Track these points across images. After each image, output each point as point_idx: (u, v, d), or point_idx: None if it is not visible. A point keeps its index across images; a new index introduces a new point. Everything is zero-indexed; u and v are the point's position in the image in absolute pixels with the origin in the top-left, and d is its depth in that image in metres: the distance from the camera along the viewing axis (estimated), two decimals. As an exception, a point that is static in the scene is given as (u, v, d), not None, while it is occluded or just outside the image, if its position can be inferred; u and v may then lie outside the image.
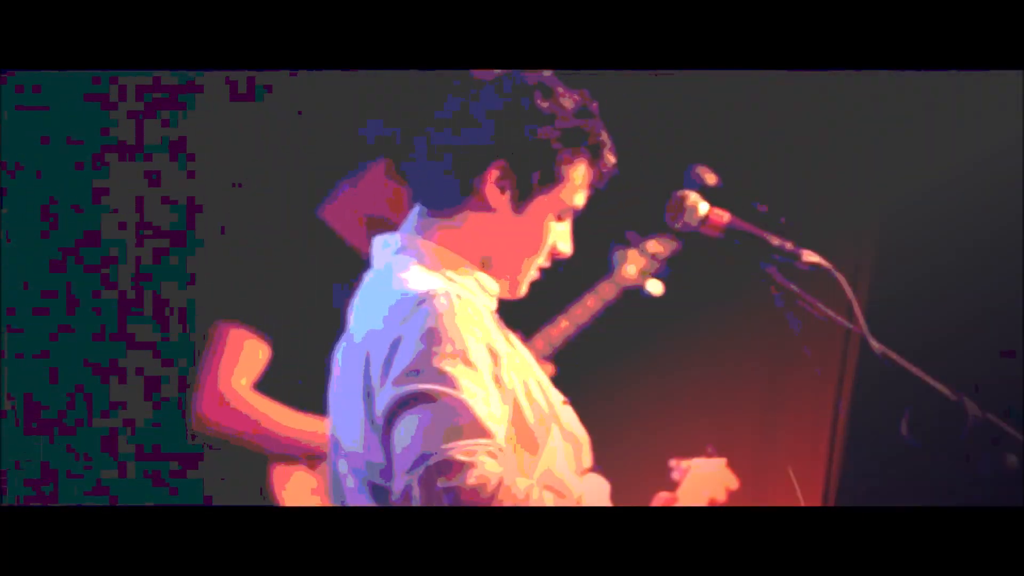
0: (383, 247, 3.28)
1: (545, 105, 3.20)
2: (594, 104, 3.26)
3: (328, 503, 3.30)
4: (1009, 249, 5.53)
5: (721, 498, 3.53)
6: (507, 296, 3.28)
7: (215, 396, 4.51)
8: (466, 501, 2.91)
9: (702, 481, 3.49)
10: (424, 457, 2.93)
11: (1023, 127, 5.48)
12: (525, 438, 3.14)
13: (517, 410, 3.14)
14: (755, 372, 5.71)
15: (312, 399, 4.52)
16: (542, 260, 3.27)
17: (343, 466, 3.19)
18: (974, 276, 5.60)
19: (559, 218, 3.26)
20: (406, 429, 2.98)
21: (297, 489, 4.55)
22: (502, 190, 3.20)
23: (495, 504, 2.91)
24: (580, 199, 3.27)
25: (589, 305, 5.07)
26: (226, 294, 4.59)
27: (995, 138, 5.54)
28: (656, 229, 5.14)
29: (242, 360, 4.54)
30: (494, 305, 3.26)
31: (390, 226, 4.61)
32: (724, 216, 3.22)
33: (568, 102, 3.22)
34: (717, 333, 5.71)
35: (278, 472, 4.56)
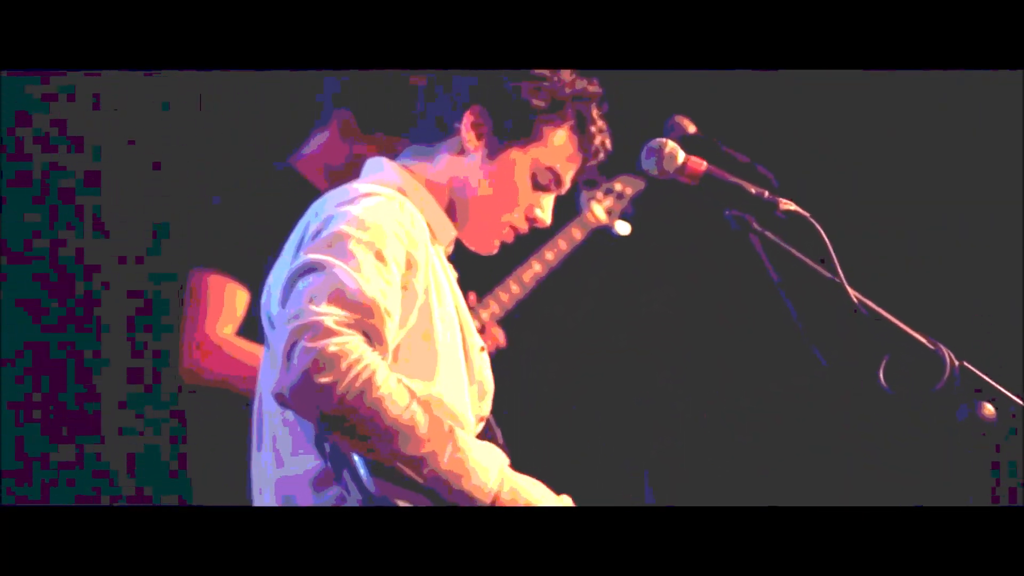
0: (367, 168, 3.35)
1: (545, 73, 3.29)
2: (594, 88, 3.32)
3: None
4: (1009, 249, 5.54)
5: None
6: (477, 250, 3.34)
7: (203, 344, 4.50)
8: (319, 366, 2.90)
9: None
10: (301, 312, 2.95)
11: (1023, 127, 5.49)
12: (425, 357, 3.16)
13: (426, 327, 3.16)
14: (737, 325, 5.72)
15: None
16: (515, 219, 3.31)
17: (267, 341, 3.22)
18: (974, 275, 5.60)
19: (538, 184, 3.30)
20: (299, 291, 3.01)
21: None
22: (478, 135, 3.28)
23: (346, 377, 2.90)
24: (562, 169, 3.31)
25: (560, 247, 5.12)
26: (199, 243, 4.57)
27: (995, 138, 5.54)
28: (623, 170, 5.20)
29: (224, 307, 4.53)
30: (444, 250, 3.30)
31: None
32: (701, 164, 3.23)
33: (568, 76, 3.30)
34: (697, 286, 5.73)
35: None
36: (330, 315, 2.95)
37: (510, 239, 3.35)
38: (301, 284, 3.02)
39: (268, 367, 3.22)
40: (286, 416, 3.14)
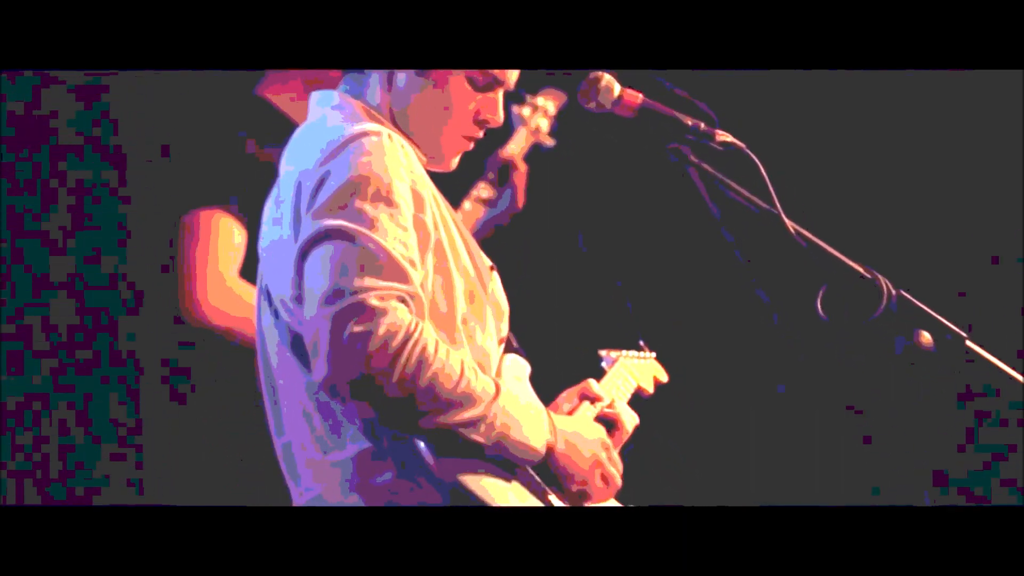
0: (319, 102, 3.25)
1: None
2: None
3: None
4: (1009, 249, 5.54)
5: (650, 390, 3.55)
6: (436, 168, 3.25)
7: (208, 284, 4.46)
8: (372, 349, 2.84)
9: (632, 371, 3.52)
10: (337, 293, 2.88)
11: (1023, 127, 5.49)
12: (447, 290, 3.10)
13: (442, 260, 3.09)
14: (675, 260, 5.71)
15: None
16: (465, 128, 3.22)
17: (267, 319, 3.13)
18: (975, 278, 5.60)
19: (477, 86, 3.19)
20: (318, 263, 2.93)
21: None
22: None
23: (402, 356, 2.85)
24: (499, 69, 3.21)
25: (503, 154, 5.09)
26: (192, 184, 4.55)
27: (995, 138, 5.54)
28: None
29: (224, 246, 4.47)
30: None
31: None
32: (637, 97, 3.23)
33: None
34: (638, 219, 5.71)
35: None
36: (369, 291, 2.88)
37: (469, 147, 3.26)
38: (320, 256, 2.93)
39: (278, 345, 3.11)
40: (319, 397, 3.05)
